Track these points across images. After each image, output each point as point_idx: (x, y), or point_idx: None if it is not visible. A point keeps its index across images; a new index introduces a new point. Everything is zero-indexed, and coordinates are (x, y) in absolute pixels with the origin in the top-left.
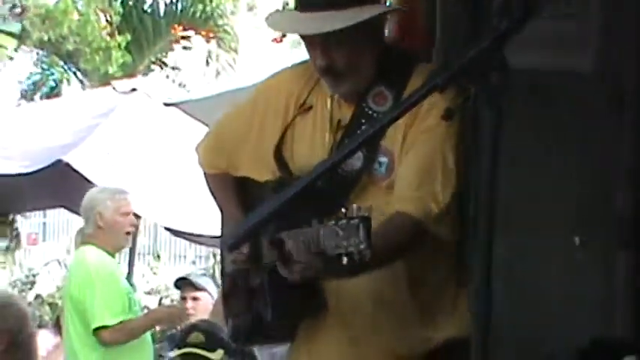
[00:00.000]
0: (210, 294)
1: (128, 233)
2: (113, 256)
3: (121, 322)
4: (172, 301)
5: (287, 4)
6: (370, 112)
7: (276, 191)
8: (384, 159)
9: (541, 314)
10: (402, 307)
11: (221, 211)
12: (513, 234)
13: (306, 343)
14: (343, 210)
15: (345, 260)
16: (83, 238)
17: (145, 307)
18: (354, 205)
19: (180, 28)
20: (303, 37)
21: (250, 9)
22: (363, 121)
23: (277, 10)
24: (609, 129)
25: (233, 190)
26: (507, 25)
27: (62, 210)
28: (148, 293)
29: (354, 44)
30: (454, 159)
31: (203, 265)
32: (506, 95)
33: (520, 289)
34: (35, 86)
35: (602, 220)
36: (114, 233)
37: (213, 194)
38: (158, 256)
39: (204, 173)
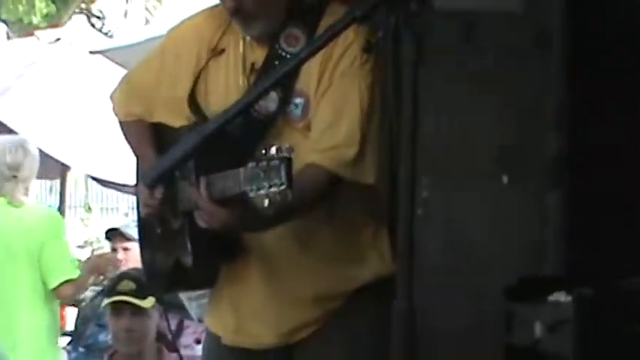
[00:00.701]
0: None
1: None
2: None
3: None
4: (113, 250)
5: None
6: (283, 53)
7: (190, 132)
8: (299, 100)
9: (469, 254)
10: (320, 245)
11: (137, 157)
12: (440, 174)
13: (227, 287)
14: (263, 151)
15: (266, 202)
16: (21, 195)
17: (77, 260)
18: (274, 146)
19: None
20: None
21: None
22: (277, 62)
23: None
24: (537, 69)
25: (149, 135)
26: None
27: None
28: (81, 247)
29: None
30: (370, 99)
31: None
32: (426, 25)
33: (447, 228)
34: None
35: (532, 159)
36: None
37: (128, 141)
38: (89, 208)
39: (119, 121)
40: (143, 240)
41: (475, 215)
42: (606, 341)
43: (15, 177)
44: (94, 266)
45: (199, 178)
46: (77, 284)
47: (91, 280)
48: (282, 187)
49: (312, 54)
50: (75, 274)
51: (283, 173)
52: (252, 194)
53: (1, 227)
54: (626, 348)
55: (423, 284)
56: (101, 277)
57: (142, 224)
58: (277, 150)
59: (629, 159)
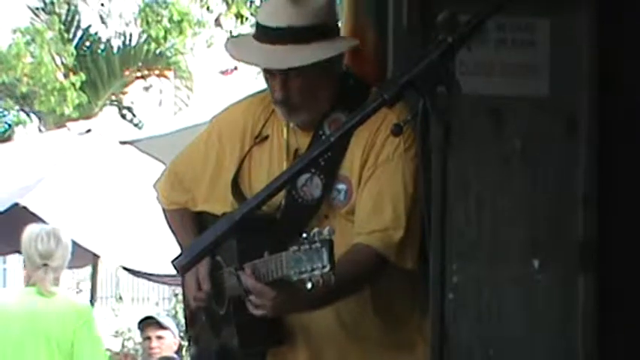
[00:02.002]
0: (173, 333)
1: None
2: None
3: None
4: (135, 343)
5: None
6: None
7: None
8: (342, 186)
9: (501, 339)
10: (368, 330)
11: (180, 246)
12: (471, 260)
13: None
14: (304, 235)
15: (309, 285)
16: (51, 284)
17: (108, 349)
18: (315, 229)
19: (135, 67)
20: (263, 68)
21: (209, 46)
22: None
23: (234, 37)
24: (565, 153)
25: (192, 224)
26: (453, 39)
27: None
28: (112, 336)
29: (313, 78)
30: (414, 184)
31: (167, 306)
32: (454, 109)
33: (478, 312)
34: None
35: (561, 242)
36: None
37: (172, 230)
38: (120, 298)
39: (163, 209)
40: (190, 326)
41: (506, 300)
42: None
43: (46, 265)
44: None
45: (244, 264)
46: None
47: None
48: (325, 270)
49: (343, 136)
50: None
51: (325, 256)
52: (295, 278)
53: (33, 316)
54: None
55: None
56: None
57: (190, 316)
58: (319, 233)
59: None
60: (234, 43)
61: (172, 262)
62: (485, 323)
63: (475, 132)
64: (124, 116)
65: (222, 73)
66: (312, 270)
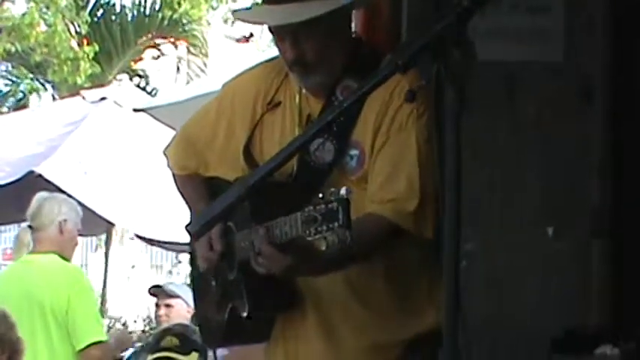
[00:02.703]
0: (185, 301)
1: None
2: None
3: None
4: (148, 308)
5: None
6: None
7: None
8: (354, 152)
9: (516, 306)
10: (377, 296)
11: (191, 211)
12: (486, 227)
13: (283, 340)
14: (320, 195)
15: (324, 246)
16: (40, 245)
17: (122, 317)
18: (332, 189)
19: (149, 35)
20: (272, 31)
21: (225, 21)
22: None
23: (246, 7)
24: (579, 120)
25: (203, 189)
26: (469, 3)
27: None
28: (126, 303)
29: (324, 36)
30: (427, 152)
31: (181, 273)
32: (468, 74)
33: (494, 281)
34: (3, 98)
35: (576, 210)
36: (70, 245)
37: (183, 195)
38: (133, 266)
39: (174, 175)
40: (198, 293)
41: (520, 266)
42: None
43: (30, 227)
44: (120, 342)
45: (258, 225)
46: (104, 350)
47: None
48: (341, 230)
49: (356, 102)
50: (103, 336)
51: (341, 215)
52: (310, 238)
53: (27, 286)
54: None
55: (469, 335)
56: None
57: (197, 278)
58: (335, 193)
59: None
60: (243, 10)
61: (186, 227)
62: (498, 288)
63: (488, 98)
64: (138, 84)
65: (237, 40)
66: (328, 229)
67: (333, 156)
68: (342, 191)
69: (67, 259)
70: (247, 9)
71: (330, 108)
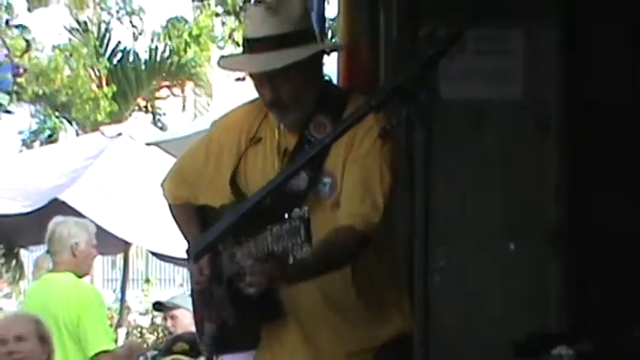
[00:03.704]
0: (187, 309)
1: (93, 263)
2: None
3: (115, 349)
4: (164, 319)
5: None
6: (312, 139)
7: (230, 211)
8: (327, 179)
9: (480, 314)
10: (350, 307)
11: (184, 237)
12: (453, 245)
13: (269, 348)
14: (286, 216)
15: (291, 259)
16: (56, 266)
17: (139, 325)
18: (296, 209)
19: (160, 78)
20: (252, 76)
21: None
22: (307, 147)
23: (229, 54)
24: (537, 150)
25: (195, 216)
26: (433, 52)
27: None
28: (142, 314)
29: (298, 79)
30: (391, 175)
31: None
32: (435, 115)
33: (461, 293)
34: (34, 135)
35: (534, 227)
36: (86, 263)
37: (177, 223)
38: (148, 280)
39: (169, 205)
40: (195, 307)
41: (486, 279)
42: None
43: (48, 252)
44: (131, 350)
45: (237, 248)
46: (114, 357)
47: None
48: (303, 245)
49: (336, 139)
50: (110, 345)
51: (303, 232)
52: (278, 253)
53: (44, 301)
54: None
55: (440, 342)
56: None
57: (196, 296)
58: (297, 213)
59: (622, 227)
60: (227, 58)
61: (186, 250)
62: (467, 300)
63: (459, 132)
64: (155, 122)
65: (237, 80)
66: (292, 245)
67: (307, 184)
68: (304, 210)
69: (82, 276)
70: (229, 56)
71: (304, 142)
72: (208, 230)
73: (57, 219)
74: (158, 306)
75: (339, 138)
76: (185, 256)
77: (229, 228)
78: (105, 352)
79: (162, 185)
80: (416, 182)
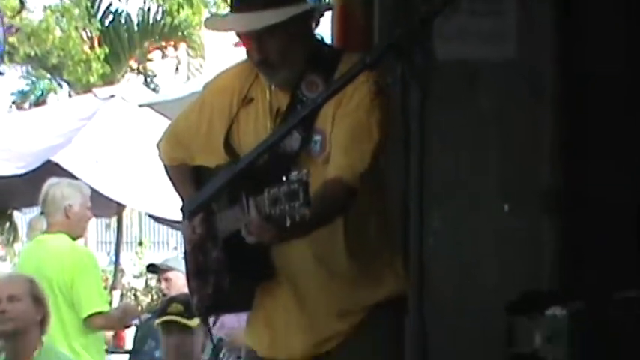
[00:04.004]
0: (181, 271)
1: (87, 225)
2: None
3: (109, 310)
4: (158, 281)
5: None
6: (304, 98)
7: (223, 170)
8: (318, 137)
9: (475, 274)
10: (342, 267)
11: (180, 197)
12: (448, 205)
13: (262, 307)
14: (284, 178)
15: (288, 222)
16: (50, 227)
17: (133, 287)
18: (294, 172)
19: (153, 39)
20: (240, 36)
21: None
22: (299, 106)
23: (215, 14)
24: (532, 111)
25: (190, 177)
26: (428, 10)
27: None
28: (136, 276)
29: (285, 38)
30: (380, 130)
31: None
32: (429, 72)
33: (457, 253)
34: (24, 96)
35: (529, 189)
36: (79, 225)
37: (173, 183)
38: (141, 243)
39: (165, 166)
40: (188, 269)
41: (480, 240)
42: (598, 349)
43: (42, 213)
44: (125, 312)
45: (244, 202)
46: (107, 318)
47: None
48: (302, 208)
49: (330, 97)
50: (104, 307)
51: (302, 195)
52: (275, 216)
53: (38, 263)
54: (615, 355)
55: (435, 300)
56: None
57: (188, 256)
58: (296, 176)
59: (617, 193)
60: (213, 18)
61: (181, 208)
62: (461, 260)
63: (453, 93)
64: (148, 83)
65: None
66: (290, 208)
67: (300, 143)
68: (303, 173)
69: (76, 238)
70: (216, 17)
71: (296, 101)
72: (202, 189)
73: (51, 181)
74: (152, 268)
75: (333, 96)
76: (180, 216)
77: (223, 186)
78: (98, 313)
79: (157, 146)
80: (411, 143)
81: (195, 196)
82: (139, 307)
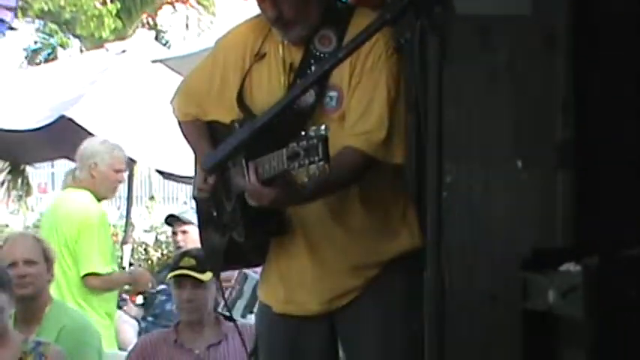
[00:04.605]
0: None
1: (115, 188)
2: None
3: (109, 273)
4: (167, 237)
5: None
6: (317, 53)
7: (241, 127)
8: (333, 93)
9: (489, 230)
10: (355, 220)
11: (195, 152)
12: (462, 159)
13: (276, 262)
14: (303, 133)
15: (306, 178)
16: (75, 182)
17: (143, 242)
18: (313, 127)
19: None
20: None
21: None
22: (312, 61)
23: None
24: (545, 64)
25: (204, 132)
26: None
27: (68, 161)
28: (146, 231)
29: None
30: (396, 89)
31: (194, 204)
32: (448, 27)
33: (469, 207)
34: (35, 52)
35: (542, 144)
36: (104, 185)
37: (187, 139)
38: (152, 197)
39: (179, 122)
40: (202, 223)
41: (493, 196)
42: (612, 305)
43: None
44: (135, 280)
45: (248, 162)
46: (104, 280)
47: (126, 287)
48: (321, 163)
49: (350, 53)
50: (101, 269)
51: (321, 150)
52: (294, 171)
53: (53, 214)
54: (629, 311)
55: (450, 257)
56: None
57: (200, 209)
58: (315, 130)
59: (631, 146)
60: None
61: (201, 164)
62: (475, 216)
63: (465, 47)
64: (159, 39)
65: None
66: (310, 162)
67: (314, 99)
68: (322, 128)
69: (101, 199)
70: None
71: (310, 56)
72: (221, 145)
73: (88, 139)
74: (171, 219)
75: (353, 52)
76: (191, 171)
77: (243, 142)
78: (95, 274)
79: (171, 103)
80: (429, 97)
81: (213, 152)
82: (149, 262)
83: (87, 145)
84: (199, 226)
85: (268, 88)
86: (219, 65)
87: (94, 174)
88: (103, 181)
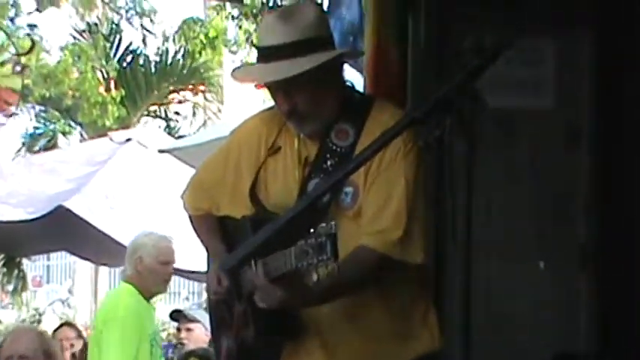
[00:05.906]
0: (204, 325)
1: (166, 281)
2: (148, 300)
3: None
4: (169, 334)
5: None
6: (334, 147)
7: (253, 223)
8: (349, 189)
9: (513, 333)
10: (373, 322)
11: (206, 248)
12: (485, 259)
13: None
14: (312, 231)
15: (315, 277)
16: (124, 277)
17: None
18: (322, 224)
19: (171, 81)
20: (267, 86)
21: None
22: (328, 155)
23: (243, 64)
24: (568, 162)
25: (216, 227)
26: (479, 62)
27: (65, 253)
28: None
29: (313, 88)
30: (414, 186)
31: (196, 300)
32: (477, 127)
33: (492, 309)
34: (33, 139)
35: (564, 246)
36: (151, 279)
37: (198, 234)
38: None
39: (190, 217)
40: (214, 321)
41: (515, 296)
42: None
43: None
44: None
45: (257, 260)
46: None
47: None
48: (330, 261)
49: (375, 153)
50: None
51: (329, 248)
52: (303, 270)
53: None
54: None
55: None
56: None
57: (213, 309)
58: (323, 228)
59: None
60: (239, 68)
61: (222, 265)
62: (497, 319)
63: (488, 140)
64: (167, 128)
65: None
66: (318, 261)
67: (330, 194)
68: (331, 226)
69: (149, 294)
70: (243, 67)
71: (326, 150)
72: (242, 245)
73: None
74: (176, 315)
75: (379, 152)
76: (199, 266)
77: (264, 242)
78: None
79: (182, 197)
80: (457, 195)
81: (232, 254)
82: None
83: (133, 238)
84: (211, 328)
85: (283, 183)
86: (233, 160)
87: (139, 269)
88: (149, 275)
